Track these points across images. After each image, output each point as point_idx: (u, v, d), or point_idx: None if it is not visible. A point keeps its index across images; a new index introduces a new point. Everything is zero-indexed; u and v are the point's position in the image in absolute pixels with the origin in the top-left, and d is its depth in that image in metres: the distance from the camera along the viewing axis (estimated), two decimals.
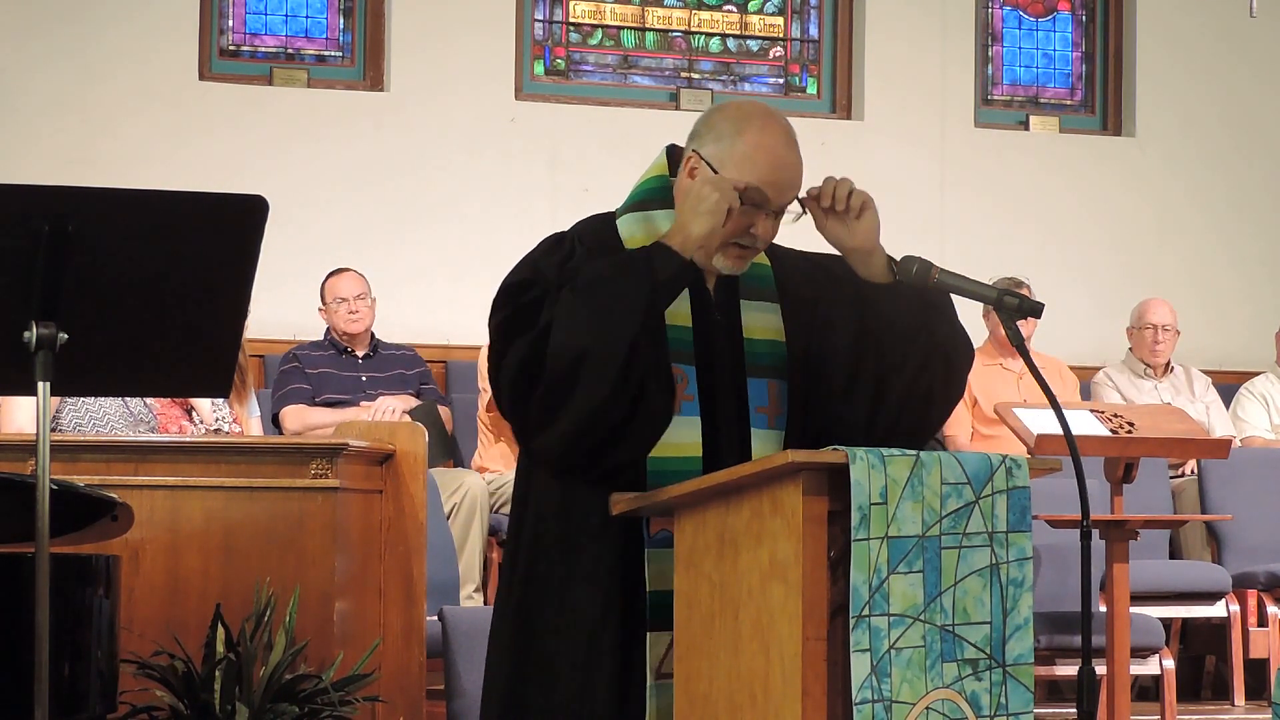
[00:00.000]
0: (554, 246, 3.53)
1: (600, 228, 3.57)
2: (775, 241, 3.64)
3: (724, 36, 10.02)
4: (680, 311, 3.50)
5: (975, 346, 8.90)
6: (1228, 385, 9.14)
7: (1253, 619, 7.65)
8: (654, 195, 3.58)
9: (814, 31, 10.11)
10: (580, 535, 3.48)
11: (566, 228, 3.62)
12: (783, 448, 3.50)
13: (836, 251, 3.59)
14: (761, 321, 3.57)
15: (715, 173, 3.46)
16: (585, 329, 3.34)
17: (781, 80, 10.06)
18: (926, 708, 3.19)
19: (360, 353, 8.02)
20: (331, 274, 8.14)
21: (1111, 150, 10.30)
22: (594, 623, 3.45)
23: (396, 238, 9.11)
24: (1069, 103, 10.46)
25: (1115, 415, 6.81)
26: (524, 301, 3.43)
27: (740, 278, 3.57)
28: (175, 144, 8.89)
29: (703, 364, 3.50)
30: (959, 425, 8.31)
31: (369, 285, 8.07)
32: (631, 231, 3.54)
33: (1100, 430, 6.62)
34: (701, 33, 9.97)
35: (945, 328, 3.56)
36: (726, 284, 3.57)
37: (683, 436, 3.45)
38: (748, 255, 3.52)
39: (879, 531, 3.16)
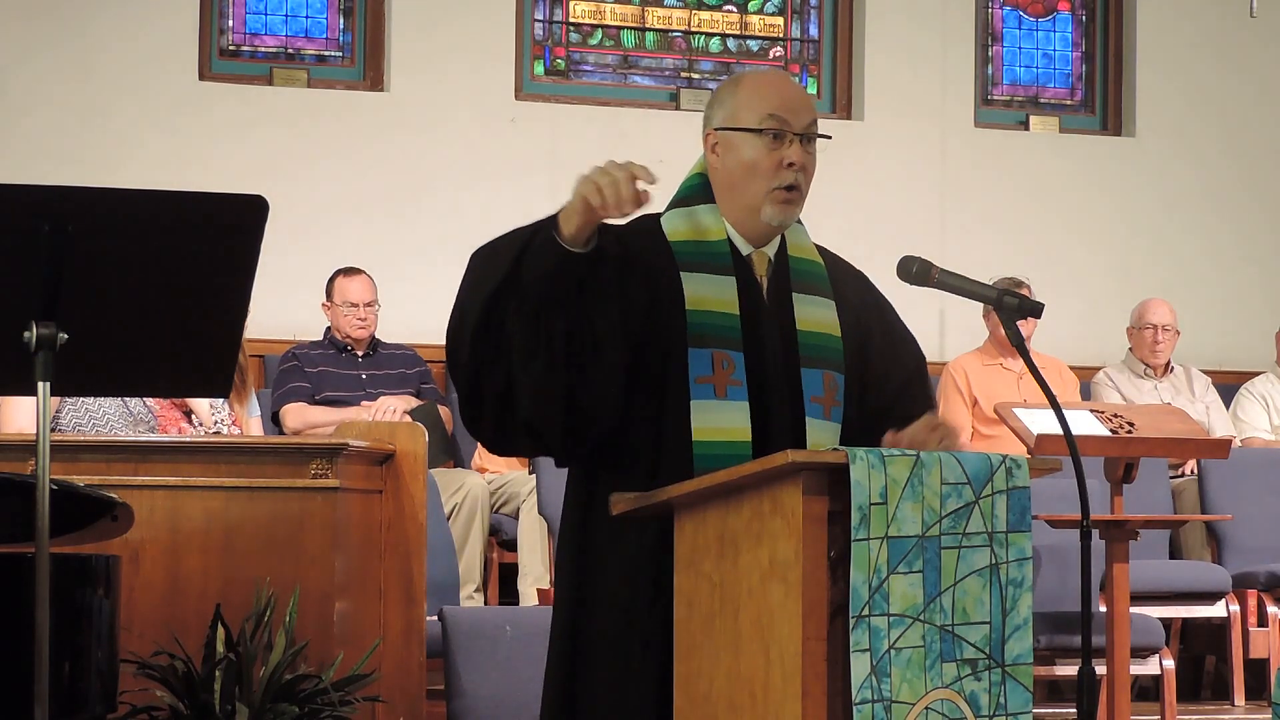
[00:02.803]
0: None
1: (647, 222, 3.62)
2: (823, 245, 3.73)
3: (724, 36, 10.02)
4: (726, 299, 3.54)
5: (976, 347, 8.96)
6: (1228, 385, 9.14)
7: (1253, 619, 7.64)
8: (695, 191, 3.65)
9: (814, 31, 10.11)
10: (620, 524, 3.49)
11: None
12: (839, 442, 3.53)
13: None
14: (815, 314, 3.60)
15: (736, 133, 3.55)
16: (464, 285, 3.46)
17: None
18: (926, 708, 3.19)
19: (360, 352, 8.02)
20: (342, 273, 8.09)
21: (1111, 150, 10.30)
22: (634, 607, 3.48)
23: (396, 237, 9.11)
24: (1069, 103, 10.46)
25: (1115, 415, 6.80)
26: None
27: (792, 270, 3.62)
28: (176, 144, 8.89)
29: (752, 351, 3.53)
30: (959, 425, 8.32)
31: (376, 290, 8.06)
32: (675, 225, 3.61)
33: (1100, 430, 6.61)
34: (701, 33, 9.97)
35: None
36: (777, 274, 3.61)
37: (730, 420, 3.48)
38: (793, 199, 3.56)
39: (879, 531, 3.17)
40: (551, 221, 3.40)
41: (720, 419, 3.47)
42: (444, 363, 9.32)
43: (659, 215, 3.64)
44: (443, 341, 3.56)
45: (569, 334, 3.38)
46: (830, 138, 3.62)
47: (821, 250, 3.72)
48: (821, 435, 3.52)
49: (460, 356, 3.44)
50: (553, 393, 3.40)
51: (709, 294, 3.53)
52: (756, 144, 3.55)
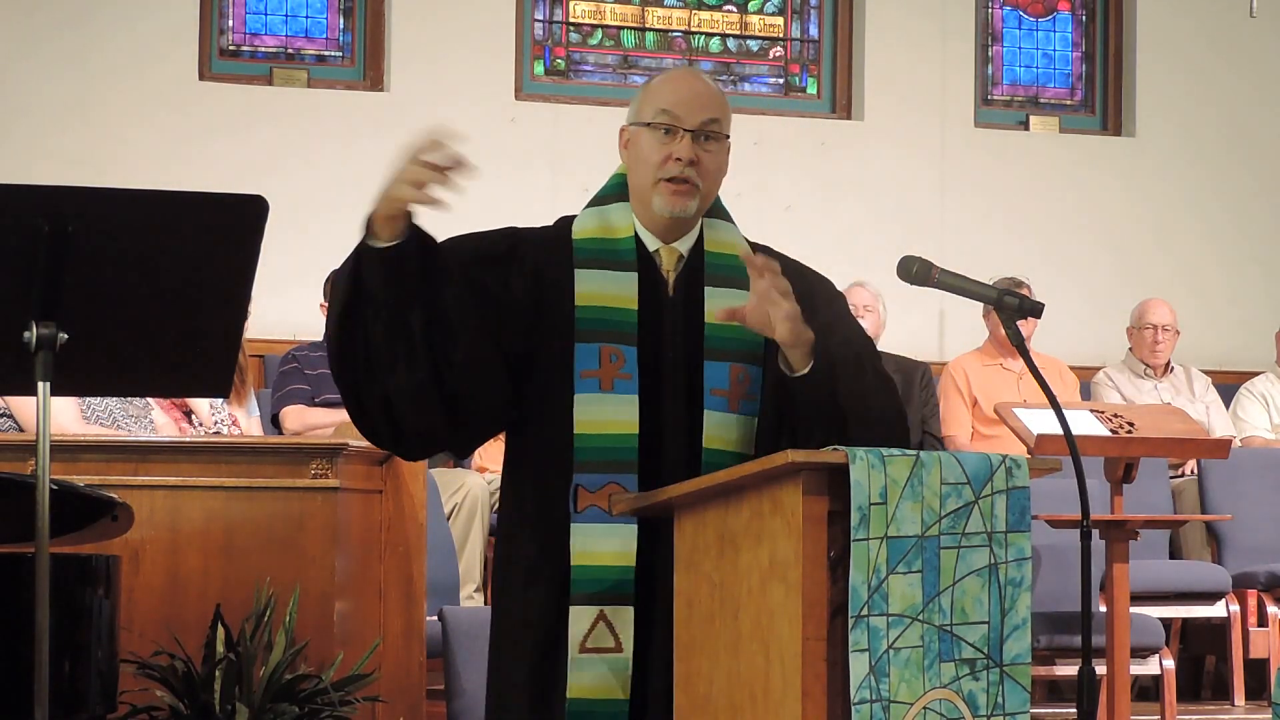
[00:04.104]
0: (493, 243, 3.68)
1: (558, 226, 3.68)
2: (770, 245, 3.69)
3: (724, 36, 10.02)
4: (623, 294, 3.55)
5: (976, 347, 8.96)
6: (1228, 385, 9.14)
7: (1253, 619, 7.65)
8: (611, 190, 3.69)
9: (814, 32, 10.11)
10: (517, 516, 3.58)
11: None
12: (755, 433, 3.52)
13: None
14: (728, 307, 3.53)
15: (636, 128, 3.61)
16: (326, 320, 3.55)
17: (781, 80, 10.06)
18: (924, 707, 3.19)
19: None
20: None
21: (1111, 150, 10.30)
22: (519, 598, 3.53)
23: None
24: (1069, 103, 10.46)
25: (1115, 415, 6.81)
26: None
27: (708, 264, 3.61)
28: (176, 144, 8.89)
29: (647, 344, 3.53)
30: (959, 425, 8.32)
31: None
32: (584, 224, 3.65)
33: (1100, 430, 6.62)
34: (701, 33, 9.98)
35: (851, 400, 3.48)
36: (688, 270, 3.61)
37: (616, 414, 3.49)
38: (684, 191, 3.55)
39: (878, 531, 3.17)
40: (366, 231, 3.49)
41: (604, 412, 3.48)
42: None
43: (574, 216, 3.68)
44: None
45: (426, 327, 3.43)
46: (727, 137, 3.59)
47: (761, 248, 3.68)
48: (722, 428, 3.50)
49: (337, 378, 3.52)
50: (425, 391, 3.45)
51: (602, 289, 3.54)
52: (649, 139, 3.58)
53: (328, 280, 3.68)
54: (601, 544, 3.46)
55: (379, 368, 3.45)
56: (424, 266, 3.44)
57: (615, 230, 3.62)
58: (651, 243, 3.62)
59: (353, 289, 3.45)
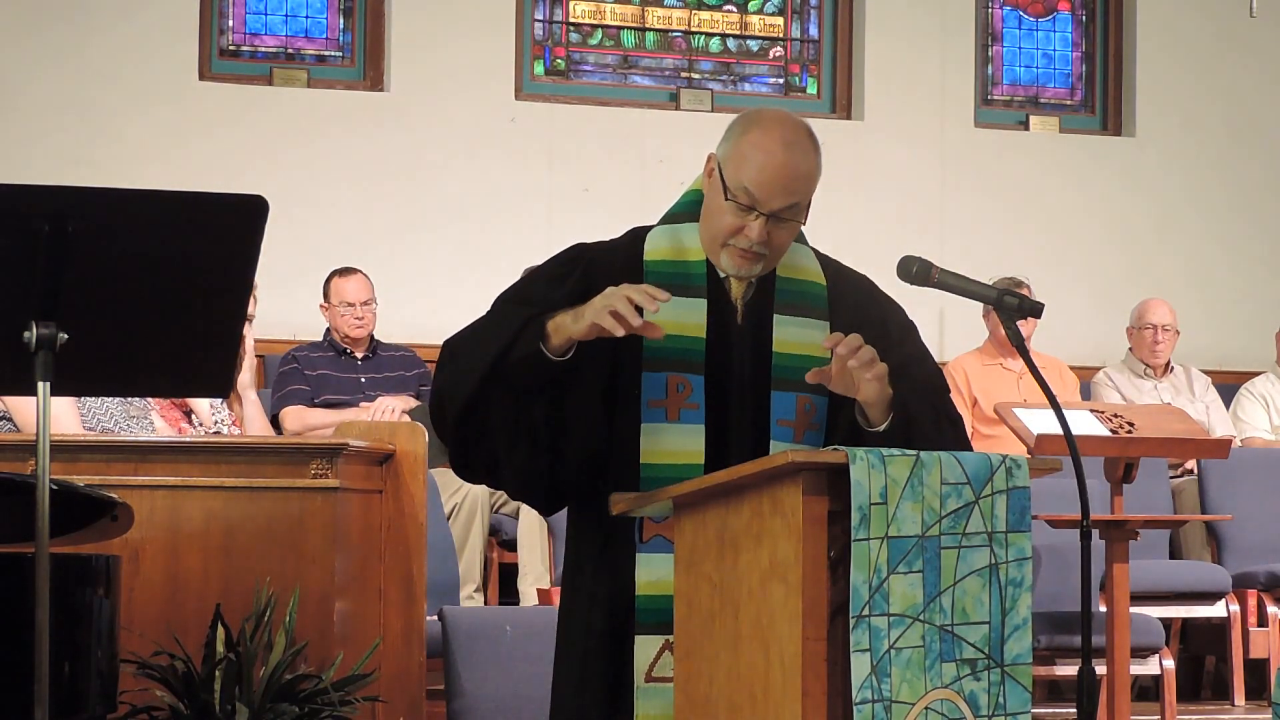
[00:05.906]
0: (561, 265, 3.57)
1: (630, 242, 3.60)
2: (840, 261, 3.68)
3: (724, 36, 10.02)
4: (692, 321, 3.51)
5: (976, 347, 8.95)
6: (1228, 385, 9.14)
7: (1253, 619, 7.65)
8: (685, 209, 3.62)
9: (814, 31, 10.11)
10: (584, 546, 3.57)
11: (569, 229, 3.65)
12: None
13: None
14: (799, 336, 3.53)
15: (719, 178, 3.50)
16: (444, 373, 3.50)
17: (781, 80, 10.06)
18: (925, 708, 3.19)
19: (359, 354, 8.02)
20: (338, 273, 8.09)
21: (1111, 150, 10.30)
22: (585, 627, 3.52)
23: (396, 237, 9.11)
24: (1069, 103, 10.46)
25: (1115, 415, 6.81)
26: None
27: (777, 291, 3.56)
28: (175, 144, 8.89)
29: (715, 374, 3.50)
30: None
31: (373, 288, 8.06)
32: (657, 244, 3.58)
33: (1100, 430, 6.62)
34: (701, 33, 9.98)
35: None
36: (758, 297, 3.56)
37: (683, 444, 3.47)
38: (750, 257, 3.49)
39: (879, 531, 3.16)
40: (539, 329, 3.40)
41: (671, 442, 3.46)
42: None
43: (648, 230, 3.62)
44: (440, 341, 3.58)
45: (548, 421, 3.44)
46: (803, 222, 3.51)
47: (835, 271, 3.66)
48: None
49: (445, 438, 3.52)
50: (536, 476, 3.48)
51: (672, 316, 3.47)
52: (728, 205, 3.47)
53: (446, 346, 3.58)
54: (667, 574, 3.43)
55: (495, 439, 3.45)
56: (564, 375, 3.43)
57: (687, 253, 3.56)
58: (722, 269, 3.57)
59: (490, 368, 3.41)
